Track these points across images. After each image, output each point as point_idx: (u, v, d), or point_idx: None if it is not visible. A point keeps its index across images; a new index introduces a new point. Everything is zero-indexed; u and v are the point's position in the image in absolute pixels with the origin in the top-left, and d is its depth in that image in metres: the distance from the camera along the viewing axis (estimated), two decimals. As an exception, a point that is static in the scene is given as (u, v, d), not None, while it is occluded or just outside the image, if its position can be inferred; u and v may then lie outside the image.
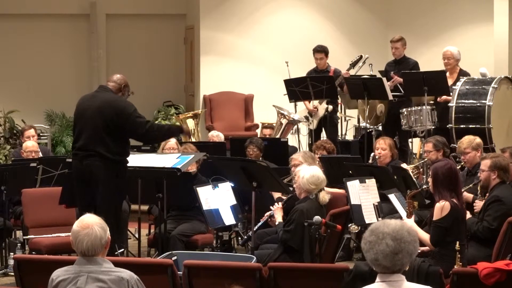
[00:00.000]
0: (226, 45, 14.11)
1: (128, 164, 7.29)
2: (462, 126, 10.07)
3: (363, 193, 7.29)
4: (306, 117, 11.64)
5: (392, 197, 7.38)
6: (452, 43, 11.96)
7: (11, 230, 8.83)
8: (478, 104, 10.07)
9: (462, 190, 6.87)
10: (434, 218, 6.26)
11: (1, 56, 13.98)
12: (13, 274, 6.45)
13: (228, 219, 7.59)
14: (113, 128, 7.09)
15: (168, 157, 7.94)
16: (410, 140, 11.39)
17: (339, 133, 12.45)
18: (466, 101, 10.16)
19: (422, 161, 9.35)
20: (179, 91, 14.80)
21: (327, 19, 14.51)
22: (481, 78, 10.66)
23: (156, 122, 13.39)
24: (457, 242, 6.05)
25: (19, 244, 8.48)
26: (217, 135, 11.06)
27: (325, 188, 7.17)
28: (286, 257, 6.79)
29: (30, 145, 9.76)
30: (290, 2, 14.38)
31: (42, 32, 14.17)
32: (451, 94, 10.31)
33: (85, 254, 4.30)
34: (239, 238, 8.90)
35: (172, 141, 9.05)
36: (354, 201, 7.24)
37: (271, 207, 7.45)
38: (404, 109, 10.71)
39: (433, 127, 10.47)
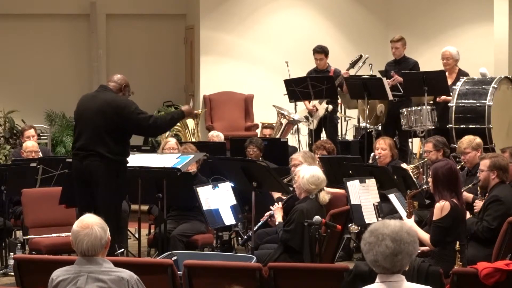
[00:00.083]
0: (226, 45, 14.11)
1: (128, 164, 7.29)
2: (462, 126, 10.07)
3: (363, 193, 7.28)
4: (306, 117, 11.64)
5: (392, 197, 7.38)
6: (452, 43, 11.96)
7: (11, 230, 8.83)
8: (478, 104, 10.07)
9: (462, 190, 6.87)
10: (434, 218, 6.26)
11: (1, 56, 13.98)
12: (13, 274, 6.45)
13: (228, 219, 7.59)
14: (114, 128, 7.08)
15: (168, 157, 7.94)
16: (410, 140, 11.39)
17: (339, 133, 12.45)
18: (466, 101, 10.15)
19: (422, 161, 9.35)
20: (179, 91, 14.80)
21: (327, 19, 14.52)
22: (481, 78, 10.66)
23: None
24: (457, 242, 6.05)
25: (19, 244, 8.48)
26: (217, 135, 11.06)
27: (325, 188, 7.17)
28: (286, 257, 6.79)
29: (30, 145, 9.76)
30: (290, 2, 14.38)
31: (42, 32, 14.18)
32: (450, 94, 10.31)
33: (85, 254, 4.30)
34: (239, 238, 8.90)
35: (172, 141, 9.05)
36: (354, 201, 7.24)
37: (271, 207, 7.45)
38: (404, 109, 10.71)
39: (433, 127, 10.47)
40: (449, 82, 10.55)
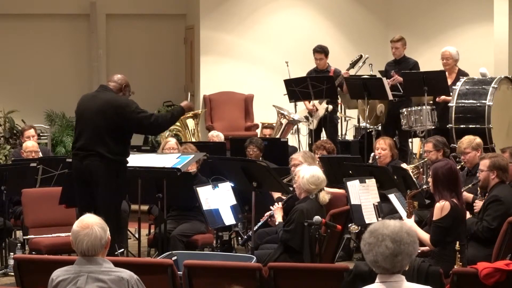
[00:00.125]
0: (226, 45, 14.11)
1: (128, 164, 7.29)
2: (462, 126, 10.07)
3: (363, 193, 7.28)
4: (306, 117, 11.64)
5: (392, 197, 7.38)
6: (452, 43, 11.96)
7: (11, 230, 8.83)
8: (478, 104, 10.07)
9: (462, 190, 6.87)
10: (434, 218, 6.26)
11: (1, 56, 13.98)
12: (13, 274, 6.45)
13: (228, 219, 7.59)
14: (114, 127, 7.08)
15: (168, 157, 7.94)
16: (410, 140, 11.39)
17: (339, 133, 12.45)
18: (466, 101, 10.15)
19: (422, 161, 9.35)
20: (179, 91, 14.79)
21: (327, 19, 14.52)
22: (481, 78, 10.66)
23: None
24: (457, 242, 6.05)
25: (19, 244, 8.48)
26: (217, 135, 11.06)
27: (325, 188, 7.17)
28: (286, 257, 6.79)
29: (30, 145, 9.75)
30: (290, 2, 14.38)
31: (42, 32, 14.18)
32: (450, 94, 10.32)
33: (85, 254, 4.30)
34: (239, 238, 8.90)
35: (172, 141, 9.05)
36: (354, 201, 7.24)
37: (271, 207, 7.45)
38: (404, 109, 10.71)
39: (433, 127, 10.47)
40: (449, 82, 10.55)
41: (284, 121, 11.90)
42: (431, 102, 10.71)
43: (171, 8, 14.75)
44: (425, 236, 6.28)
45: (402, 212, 7.15)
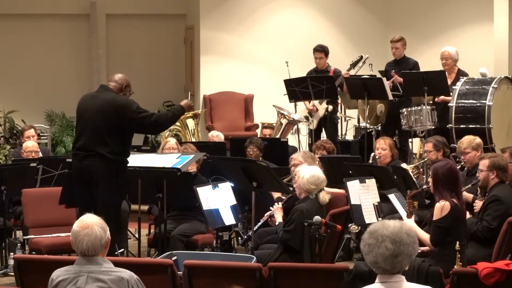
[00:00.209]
0: (226, 45, 14.11)
1: (128, 164, 7.29)
2: (462, 126, 10.07)
3: (363, 193, 7.28)
4: (306, 117, 11.64)
5: (392, 197, 7.38)
6: (452, 43, 11.96)
7: (11, 230, 8.83)
8: (478, 104, 10.07)
9: (462, 190, 6.86)
10: (434, 218, 6.26)
11: (1, 56, 13.98)
12: (13, 274, 6.45)
13: (228, 219, 7.59)
14: (114, 127, 7.08)
15: (168, 157, 7.94)
16: (410, 140, 11.39)
17: (339, 133, 12.45)
18: (466, 101, 10.15)
19: (422, 161, 9.35)
20: (179, 91, 14.79)
21: (327, 19, 14.52)
22: (481, 78, 10.66)
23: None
24: (457, 242, 6.05)
25: (19, 244, 8.47)
26: (217, 135, 11.06)
27: (325, 188, 7.17)
28: (286, 257, 6.79)
29: (30, 145, 9.75)
30: (290, 2, 14.38)
31: (42, 32, 14.18)
32: (450, 94, 10.32)
33: (85, 254, 4.30)
34: (239, 238, 8.90)
35: (172, 141, 9.05)
36: (354, 201, 7.24)
37: (271, 208, 7.45)
38: (404, 109, 10.71)
39: (433, 127, 10.47)
40: (449, 82, 10.56)
41: (284, 121, 11.90)
42: (431, 102, 10.71)
43: (171, 8, 14.76)
44: (425, 236, 6.28)
45: (402, 212, 7.14)
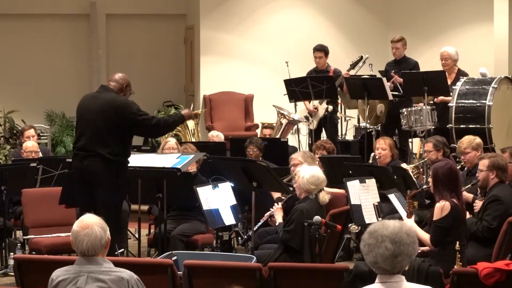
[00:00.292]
0: (226, 45, 14.11)
1: (129, 164, 7.29)
2: (462, 126, 10.07)
3: (363, 193, 7.29)
4: (306, 117, 11.64)
5: (392, 197, 7.38)
6: (452, 43, 11.96)
7: (11, 230, 8.83)
8: (478, 104, 10.07)
9: (462, 190, 6.86)
10: (434, 218, 6.26)
11: (1, 56, 13.98)
12: (13, 274, 6.45)
13: (228, 219, 7.59)
14: (114, 127, 7.08)
15: (168, 157, 7.94)
16: (410, 140, 11.39)
17: (339, 133, 12.45)
18: (466, 101, 10.15)
19: (422, 161, 9.35)
20: (179, 91, 14.80)
21: (327, 19, 14.52)
22: (481, 78, 10.66)
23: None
24: (457, 242, 6.05)
25: (19, 244, 8.48)
26: (217, 135, 11.06)
27: (325, 188, 7.17)
28: (286, 257, 6.79)
29: (30, 145, 9.75)
30: (290, 2, 14.38)
31: (42, 32, 14.18)
32: (450, 94, 10.32)
33: (85, 254, 4.30)
34: (239, 238, 8.90)
35: (172, 141, 9.05)
36: (354, 201, 7.24)
37: (271, 209, 7.44)
38: (404, 109, 10.71)
39: (433, 127, 10.47)
40: (449, 82, 10.56)
41: (284, 121, 11.91)
42: (431, 102, 10.71)
43: (171, 8, 14.75)
44: (425, 236, 6.28)
45: (402, 212, 7.15)
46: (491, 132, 9.92)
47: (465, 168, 8.28)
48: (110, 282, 4.26)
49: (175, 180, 7.61)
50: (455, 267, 5.89)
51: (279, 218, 7.31)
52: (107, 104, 7.12)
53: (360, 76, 11.57)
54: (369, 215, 7.21)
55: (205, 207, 7.51)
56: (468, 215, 6.87)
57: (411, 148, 11.58)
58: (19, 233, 9.00)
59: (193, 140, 11.56)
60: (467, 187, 7.65)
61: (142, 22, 14.70)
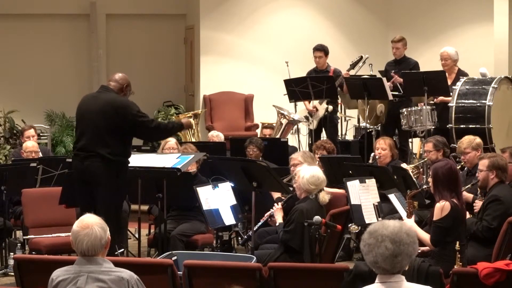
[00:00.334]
0: (226, 45, 14.11)
1: (129, 165, 7.29)
2: (462, 126, 10.07)
3: (363, 193, 7.29)
4: (306, 117, 11.64)
5: (392, 197, 7.38)
6: (452, 43, 11.97)
7: (11, 230, 8.83)
8: (478, 104, 10.07)
9: (462, 190, 6.86)
10: (434, 218, 6.26)
11: (1, 56, 13.98)
12: (13, 274, 6.45)
13: (228, 219, 7.59)
14: (114, 127, 7.08)
15: (168, 157, 7.94)
16: (410, 140, 11.39)
17: (339, 133, 12.45)
18: (466, 101, 10.15)
19: (422, 161, 9.35)
20: (179, 91, 14.80)
21: (327, 19, 14.52)
22: (481, 78, 10.66)
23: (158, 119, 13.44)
24: (457, 242, 6.05)
25: (19, 244, 8.48)
26: (217, 135, 11.06)
27: (325, 188, 7.17)
28: (286, 257, 6.79)
29: (30, 145, 9.75)
30: (290, 2, 14.38)
31: (42, 32, 14.18)
32: (450, 94, 10.32)
33: (85, 254, 4.30)
34: (239, 238, 8.90)
35: (172, 141, 9.04)
36: (354, 201, 7.24)
37: (271, 209, 7.44)
38: (404, 109, 10.71)
39: (433, 127, 10.47)
40: (449, 82, 10.56)
41: (284, 121, 11.91)
42: (432, 102, 10.72)
43: (171, 8, 14.75)
44: (425, 236, 6.28)
45: (402, 212, 7.15)
46: (491, 132, 9.92)
47: (465, 168, 8.29)
48: (110, 282, 4.26)
49: (175, 180, 7.61)
50: (455, 267, 5.89)
51: (279, 218, 7.31)
52: (107, 104, 7.12)
53: (360, 76, 11.57)
54: (369, 215, 7.21)
55: (205, 207, 7.51)
56: (468, 215, 6.87)
57: (411, 148, 11.58)
58: (19, 233, 9.01)
59: (193, 140, 11.57)
60: (467, 187, 7.65)
61: (142, 22, 14.69)
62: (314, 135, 11.41)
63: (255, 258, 6.49)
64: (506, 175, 7.09)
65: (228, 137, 11.16)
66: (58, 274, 4.37)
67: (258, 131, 13.27)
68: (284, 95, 11.53)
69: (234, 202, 7.64)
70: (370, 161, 10.43)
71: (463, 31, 13.61)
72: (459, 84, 10.28)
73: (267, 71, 14.02)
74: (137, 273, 4.39)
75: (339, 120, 12.36)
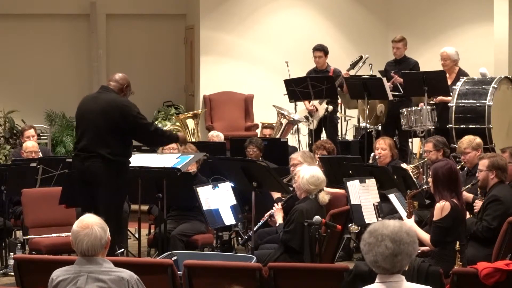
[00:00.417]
0: (226, 45, 14.11)
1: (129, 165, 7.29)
2: (462, 126, 10.07)
3: (363, 193, 7.29)
4: (306, 117, 11.64)
5: (392, 197, 7.38)
6: (452, 43, 11.97)
7: (11, 230, 8.83)
8: (478, 104, 10.07)
9: (462, 190, 6.86)
10: (434, 218, 6.26)
11: (1, 56, 13.98)
12: (13, 274, 6.45)
13: (228, 219, 7.59)
14: (115, 128, 7.07)
15: (168, 157, 7.94)
16: (410, 140, 11.39)
17: (339, 133, 12.45)
18: (466, 101, 10.16)
19: (422, 161, 9.35)
20: (179, 91, 14.80)
21: (327, 19, 14.52)
22: (481, 78, 10.66)
23: (156, 122, 13.44)
24: (457, 242, 6.05)
25: (19, 244, 8.48)
26: (217, 135, 11.06)
27: (325, 188, 7.17)
28: (286, 257, 6.79)
29: (30, 145, 9.75)
30: (290, 2, 14.38)
31: (42, 32, 14.17)
32: (451, 94, 10.32)
33: (85, 254, 4.30)
34: (239, 238, 8.90)
35: (172, 141, 9.04)
36: (354, 201, 7.24)
37: (271, 209, 7.44)
38: (404, 109, 10.71)
39: (433, 127, 10.48)
40: (449, 82, 10.56)
41: (284, 121, 11.91)
42: (432, 102, 10.72)
43: (171, 8, 14.75)
44: (425, 236, 6.28)
45: (402, 212, 7.15)
46: (491, 132, 9.92)
47: (465, 168, 8.29)
48: (110, 282, 4.26)
49: (175, 180, 7.61)
50: (455, 267, 5.89)
51: (279, 218, 7.31)
52: (108, 105, 7.12)
53: (360, 76, 11.58)
54: (369, 215, 7.21)
55: (205, 207, 7.51)
56: (468, 215, 6.87)
57: (411, 148, 11.58)
58: (19, 233, 9.01)
59: (193, 140, 11.56)
60: (467, 187, 7.65)
61: (142, 22, 14.69)
62: (314, 135, 11.41)
63: (255, 258, 6.49)
64: (506, 175, 7.09)
65: (228, 137, 11.16)
66: (58, 274, 4.37)
67: (258, 131, 13.27)
68: (284, 95, 11.53)
69: (234, 202, 7.64)
70: (370, 161, 10.43)
71: (463, 31, 13.61)
72: (459, 84, 10.28)
73: (267, 71, 14.02)
74: (137, 273, 4.39)
75: (339, 120, 12.36)
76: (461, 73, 10.78)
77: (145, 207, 8.77)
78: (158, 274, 5.55)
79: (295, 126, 12.13)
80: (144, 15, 14.64)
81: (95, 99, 7.32)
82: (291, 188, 7.66)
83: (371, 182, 7.38)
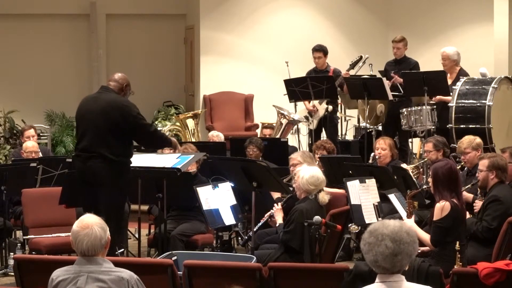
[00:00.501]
0: (226, 45, 14.11)
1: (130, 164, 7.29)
2: (462, 126, 10.07)
3: (363, 193, 7.29)
4: (306, 117, 11.64)
5: (392, 197, 7.38)
6: (452, 43, 11.96)
7: (11, 230, 8.83)
8: (478, 104, 10.07)
9: (462, 190, 6.86)
10: (434, 218, 6.26)
11: (1, 56, 13.98)
12: (13, 274, 6.45)
13: (228, 219, 7.59)
14: (115, 128, 7.07)
15: (168, 157, 7.94)
16: (410, 140, 11.39)
17: (339, 133, 12.45)
18: (466, 101, 10.16)
19: (422, 161, 9.35)
20: (179, 91, 14.80)
21: (327, 19, 14.52)
22: (481, 78, 10.66)
23: (156, 122, 13.45)
24: (457, 242, 6.06)
25: (19, 244, 8.48)
26: (217, 135, 11.06)
27: (325, 188, 7.17)
28: (286, 257, 6.79)
29: (30, 145, 9.75)
30: (290, 2, 14.38)
31: (42, 32, 14.18)
32: (451, 94, 10.32)
33: (85, 254, 4.30)
34: (239, 238, 8.90)
35: (172, 141, 9.04)
36: (354, 201, 7.24)
37: (271, 210, 7.44)
38: (404, 109, 10.71)
39: (433, 127, 10.48)
40: (449, 82, 10.56)
41: (284, 121, 11.91)
42: (432, 102, 10.72)
43: (171, 8, 14.75)
44: (425, 236, 6.28)
45: (402, 212, 7.15)
46: (491, 132, 9.92)
47: (465, 168, 8.28)
48: (110, 282, 4.26)
49: (175, 180, 7.61)
50: (455, 267, 5.89)
51: (279, 219, 7.31)
52: (108, 105, 7.12)
53: (360, 76, 11.58)
54: (369, 215, 7.21)
55: (205, 207, 7.51)
56: (468, 215, 6.87)
57: (411, 148, 11.58)
58: (19, 233, 9.01)
59: (193, 140, 11.57)
60: (467, 187, 7.65)
61: (142, 22, 14.69)
62: (314, 135, 11.41)
63: (255, 258, 6.49)
64: (506, 175, 7.09)
65: (228, 137, 11.16)
66: (58, 274, 4.37)
67: (258, 131, 13.27)
68: (284, 95, 11.54)
69: (234, 202, 7.64)
70: (370, 161, 10.43)
71: (463, 31, 13.61)
72: (459, 84, 10.28)
73: (267, 71, 14.02)
74: (137, 273, 4.39)
75: (339, 120, 12.36)
76: (462, 73, 10.78)
77: (145, 207, 8.77)
78: (158, 274, 5.55)
79: (295, 126, 12.13)
80: (144, 15, 14.64)
81: (95, 99, 7.32)
82: (291, 188, 7.66)
83: (371, 182, 7.38)
